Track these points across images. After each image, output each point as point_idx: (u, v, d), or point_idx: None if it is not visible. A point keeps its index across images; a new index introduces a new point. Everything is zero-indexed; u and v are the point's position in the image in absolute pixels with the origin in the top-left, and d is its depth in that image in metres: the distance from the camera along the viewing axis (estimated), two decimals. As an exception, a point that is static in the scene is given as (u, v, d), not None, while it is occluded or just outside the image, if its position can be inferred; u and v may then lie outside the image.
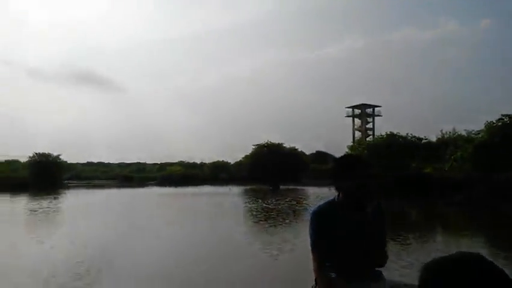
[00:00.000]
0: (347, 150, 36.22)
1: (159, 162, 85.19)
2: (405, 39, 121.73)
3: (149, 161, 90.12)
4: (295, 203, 23.18)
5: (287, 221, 15.12)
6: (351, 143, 70.37)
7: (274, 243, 10.36)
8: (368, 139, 45.34)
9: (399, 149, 32.98)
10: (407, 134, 34.30)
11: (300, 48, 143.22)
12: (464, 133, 48.35)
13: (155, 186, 53.39)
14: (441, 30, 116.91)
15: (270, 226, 13.83)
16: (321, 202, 2.45)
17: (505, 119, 37.18)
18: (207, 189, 45.57)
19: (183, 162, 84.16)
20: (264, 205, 20.70)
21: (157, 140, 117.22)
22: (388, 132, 34.13)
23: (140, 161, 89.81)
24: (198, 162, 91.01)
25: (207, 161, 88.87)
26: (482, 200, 17.24)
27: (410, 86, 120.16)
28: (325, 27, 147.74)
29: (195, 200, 29.26)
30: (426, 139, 35.95)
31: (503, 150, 34.09)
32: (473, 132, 48.44)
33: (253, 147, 53.50)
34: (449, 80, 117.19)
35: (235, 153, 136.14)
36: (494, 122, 37.24)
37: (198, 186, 52.08)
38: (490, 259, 0.91)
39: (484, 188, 28.36)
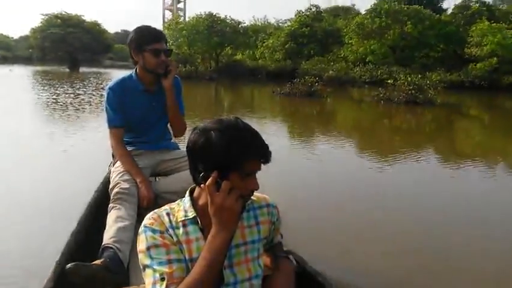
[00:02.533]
0: (162, 29, 31.16)
1: None
2: None
3: None
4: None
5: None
6: (162, 22, 64.16)
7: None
8: (180, 20, 40.46)
9: (219, 32, 30.10)
10: (226, 16, 31.37)
11: None
12: (273, 21, 48.81)
13: None
14: None
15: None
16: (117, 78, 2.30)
17: (313, 9, 37.96)
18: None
19: None
20: (63, 97, 14.86)
21: None
22: (207, 12, 30.45)
23: None
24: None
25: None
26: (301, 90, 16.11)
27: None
28: None
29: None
30: (244, 23, 33.87)
31: (309, 40, 35.09)
32: (280, 20, 49.34)
33: (42, 17, 41.21)
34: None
35: (20, 26, 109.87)
36: (303, 11, 37.67)
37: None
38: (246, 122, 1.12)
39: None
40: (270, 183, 0.92)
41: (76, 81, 23.11)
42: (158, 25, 61.74)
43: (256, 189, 1.14)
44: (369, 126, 11.33)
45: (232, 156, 1.06)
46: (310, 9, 37.70)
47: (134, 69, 2.28)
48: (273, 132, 8.76)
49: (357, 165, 6.32)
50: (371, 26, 28.73)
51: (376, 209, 4.13)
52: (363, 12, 39.65)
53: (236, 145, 1.06)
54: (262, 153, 1.10)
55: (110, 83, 2.28)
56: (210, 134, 1.08)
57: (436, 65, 27.65)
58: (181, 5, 68.27)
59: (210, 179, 1.08)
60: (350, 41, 30.84)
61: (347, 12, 48.54)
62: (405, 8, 28.54)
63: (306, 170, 5.82)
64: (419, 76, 15.49)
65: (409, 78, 14.33)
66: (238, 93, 22.55)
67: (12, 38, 69.85)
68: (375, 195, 4.65)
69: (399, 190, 5.01)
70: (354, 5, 50.19)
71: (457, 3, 33.17)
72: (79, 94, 15.62)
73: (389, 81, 15.40)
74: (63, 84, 21.05)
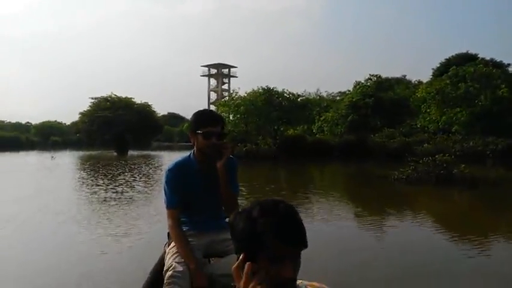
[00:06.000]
0: (215, 107, 28.27)
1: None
2: (254, 7, 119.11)
3: None
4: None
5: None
6: (208, 104, 62.98)
7: None
8: (230, 97, 37.78)
9: (277, 106, 26.65)
10: (283, 89, 28.09)
11: (150, 2, 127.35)
12: (325, 94, 45.79)
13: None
14: (288, 2, 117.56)
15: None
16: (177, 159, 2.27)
17: (373, 79, 34.43)
18: (19, 158, 31.83)
19: (3, 122, 65.35)
20: (102, 194, 10.71)
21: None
22: (265, 87, 27.27)
23: None
24: (23, 123, 72.54)
25: (36, 121, 71.01)
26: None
27: (260, 50, 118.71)
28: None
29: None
30: (303, 96, 30.47)
31: (374, 111, 31.09)
32: (332, 93, 46.23)
33: (92, 101, 39.23)
34: (296, 48, 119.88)
35: (72, 112, 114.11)
36: (363, 81, 34.21)
37: (18, 152, 38.14)
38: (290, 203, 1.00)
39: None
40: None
41: (129, 169, 19.39)
42: (203, 106, 60.33)
43: (288, 277, 0.98)
44: None
45: (252, 237, 0.98)
46: (371, 79, 34.21)
47: (192, 150, 2.26)
48: None
49: None
50: (455, 92, 24.33)
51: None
52: (424, 81, 35.76)
53: (253, 226, 0.98)
54: (289, 238, 0.98)
55: (169, 164, 2.25)
56: (239, 213, 1.04)
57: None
58: (225, 86, 67.54)
59: (236, 262, 1.01)
60: (427, 110, 26.40)
61: (400, 82, 44.99)
62: (494, 71, 24.21)
63: None
64: None
65: None
66: (338, 181, 16.80)
67: (65, 124, 70.47)
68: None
69: None
70: (405, 75, 46.56)
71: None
72: (135, 197, 11.47)
73: None
74: (114, 171, 17.32)
